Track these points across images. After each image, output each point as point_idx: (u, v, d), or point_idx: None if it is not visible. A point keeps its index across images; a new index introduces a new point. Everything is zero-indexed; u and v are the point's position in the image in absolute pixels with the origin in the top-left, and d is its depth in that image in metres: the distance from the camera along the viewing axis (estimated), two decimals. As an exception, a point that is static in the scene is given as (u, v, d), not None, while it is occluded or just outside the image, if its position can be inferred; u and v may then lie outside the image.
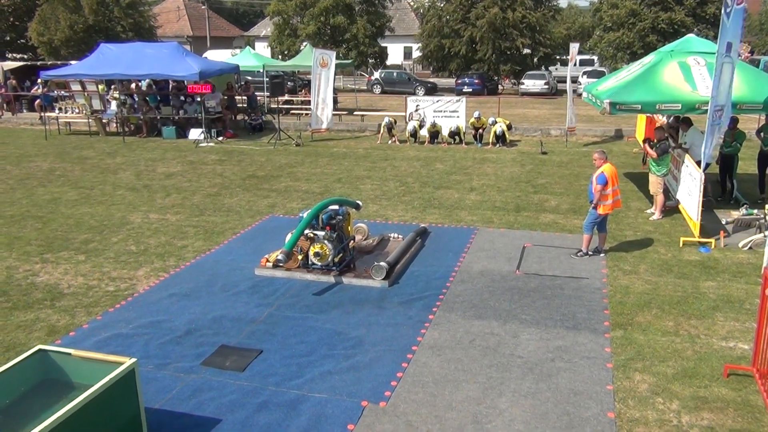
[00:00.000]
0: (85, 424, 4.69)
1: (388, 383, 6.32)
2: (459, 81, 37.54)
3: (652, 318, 7.72)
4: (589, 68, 37.00)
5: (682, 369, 6.55)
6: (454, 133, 20.41)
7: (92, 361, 5.30)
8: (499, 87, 40.21)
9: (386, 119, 19.16)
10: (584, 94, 14.27)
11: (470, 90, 35.44)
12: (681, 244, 10.24)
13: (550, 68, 41.14)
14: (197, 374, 6.53)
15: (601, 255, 9.81)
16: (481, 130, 20.38)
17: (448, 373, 6.53)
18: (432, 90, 36.88)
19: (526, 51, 39.95)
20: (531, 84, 36.29)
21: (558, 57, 41.99)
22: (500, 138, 19.95)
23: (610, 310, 7.94)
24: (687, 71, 11.70)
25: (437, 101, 21.95)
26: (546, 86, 36.07)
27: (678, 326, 7.51)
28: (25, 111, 28.40)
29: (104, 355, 5.37)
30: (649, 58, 13.08)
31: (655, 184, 11.81)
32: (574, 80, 26.14)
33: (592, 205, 9.54)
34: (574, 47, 22.04)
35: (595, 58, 41.63)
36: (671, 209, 12.04)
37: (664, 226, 11.34)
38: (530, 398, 6.05)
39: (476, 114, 20.47)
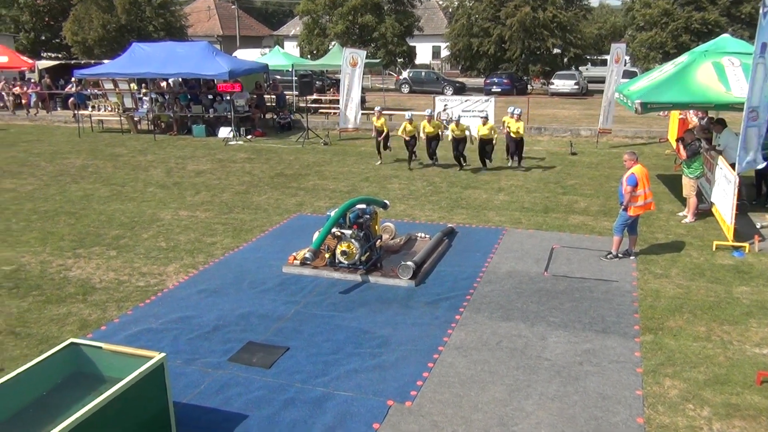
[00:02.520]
0: (115, 416, 4.76)
1: (414, 383, 6.31)
2: (488, 81, 37.35)
3: (684, 323, 7.59)
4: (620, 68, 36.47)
5: (713, 375, 6.43)
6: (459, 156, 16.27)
7: (122, 355, 5.38)
8: (529, 87, 39.89)
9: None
10: (615, 95, 14.10)
11: (499, 90, 35.23)
12: (714, 248, 10.05)
13: (580, 68, 40.69)
14: (225, 370, 6.59)
15: (632, 258, 9.67)
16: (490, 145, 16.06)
17: (475, 374, 6.50)
18: (460, 90, 36.74)
19: (557, 51, 39.56)
20: (561, 84, 35.95)
21: (589, 57, 41.51)
22: (516, 148, 16.12)
23: (640, 314, 7.82)
24: (721, 72, 11.48)
25: (465, 101, 21.85)
26: (576, 86, 35.69)
27: (710, 332, 7.36)
28: (59, 109, 28.95)
29: (134, 350, 5.45)
30: (682, 59, 12.86)
31: (688, 186, 11.61)
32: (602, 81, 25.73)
33: (623, 206, 9.40)
34: (619, 48, 20.87)
35: (627, 58, 41.04)
36: (704, 212, 11.83)
37: (697, 229, 11.14)
38: (557, 401, 5.99)
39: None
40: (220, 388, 6.25)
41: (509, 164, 16.49)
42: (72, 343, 5.56)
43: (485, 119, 16.18)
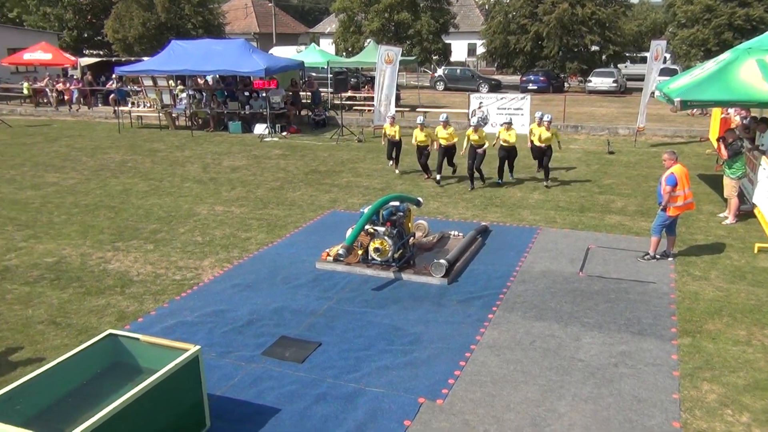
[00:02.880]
0: (152, 406, 4.85)
1: (446, 381, 6.29)
2: (524, 78, 36.99)
3: (723, 326, 7.42)
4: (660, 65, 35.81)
5: (753, 380, 6.27)
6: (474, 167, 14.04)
7: (159, 346, 5.47)
8: (565, 85, 39.39)
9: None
10: (656, 93, 13.84)
11: (535, 87, 34.86)
12: (756, 251, 9.79)
13: (619, 66, 40.01)
14: (258, 364, 6.66)
15: (670, 259, 9.48)
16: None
17: (507, 373, 6.45)
18: (496, 87, 36.46)
19: (595, 48, 38.97)
20: (599, 82, 35.41)
21: (628, 54, 40.77)
22: (544, 156, 14.29)
23: (678, 316, 7.67)
24: (765, 69, 11.17)
25: (501, 98, 21.68)
26: (614, 84, 35.13)
27: (750, 336, 7.18)
28: (100, 105, 29.59)
29: (170, 342, 5.54)
30: (724, 56, 12.55)
31: (729, 186, 11.34)
32: (641, 78, 25.23)
33: (661, 207, 9.23)
34: (659, 45, 20.44)
35: (668, 55, 40.24)
36: (746, 214, 11.53)
37: (738, 231, 10.87)
38: (591, 403, 5.91)
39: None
40: (253, 382, 6.32)
41: (545, 184, 14.23)
42: (110, 334, 5.69)
43: (508, 124, 14.06)
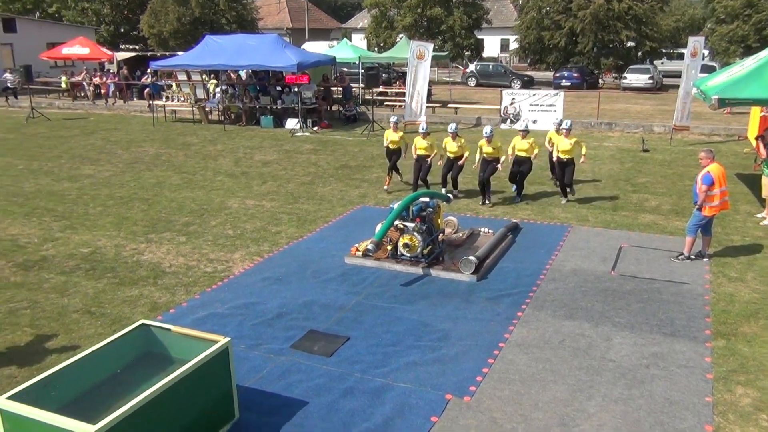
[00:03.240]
0: (182, 396, 4.92)
1: (474, 378, 6.27)
2: (557, 74, 36.55)
3: (759, 329, 7.25)
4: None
5: (790, 385, 6.12)
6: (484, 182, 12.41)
7: (190, 337, 5.55)
8: (600, 81, 38.82)
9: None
10: (693, 90, 13.56)
11: (569, 84, 34.42)
12: (795, 252, 9.56)
13: (655, 62, 39.29)
14: (287, 356, 6.72)
15: (705, 260, 9.30)
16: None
17: (536, 372, 6.40)
18: (528, 83, 36.10)
19: (631, 44, 38.30)
20: (634, 78, 34.79)
21: (664, 50, 39.98)
22: (563, 174, 12.43)
23: (712, 318, 7.52)
24: (809, 67, 10.88)
25: (533, 95, 21.48)
26: (650, 81, 34.49)
27: (788, 339, 7.01)
28: (135, 99, 30.05)
29: (201, 333, 5.62)
30: (765, 53, 12.24)
31: (767, 186, 11.07)
32: (678, 75, 24.68)
33: (697, 206, 9.05)
34: (697, 41, 19.90)
35: (706, 52, 39.37)
36: (785, 214, 11.25)
37: (776, 231, 10.62)
38: (621, 404, 5.83)
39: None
40: (281, 374, 6.37)
41: (563, 201, 12.52)
42: (143, 324, 5.79)
43: (525, 132, 12.30)
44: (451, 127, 12.70)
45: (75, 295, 8.33)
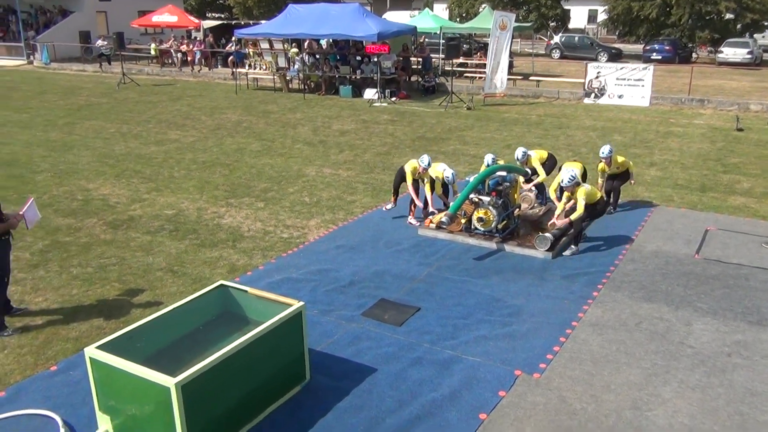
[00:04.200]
0: (257, 355, 5.09)
1: (544, 356, 6.19)
2: (647, 47, 34.91)
3: None
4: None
5: None
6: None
7: (266, 300, 5.72)
8: (693, 55, 36.84)
9: (423, 159, 9.28)
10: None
11: (659, 57, 32.83)
12: None
13: (755, 36, 36.87)
14: (358, 324, 6.82)
15: (799, 246, 8.77)
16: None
17: (609, 353, 6.25)
18: (616, 56, 34.65)
19: (729, 16, 36.05)
20: (731, 53, 32.81)
21: (767, 24, 37.43)
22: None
23: (804, 308, 7.11)
24: None
25: (621, 68, 20.63)
26: (749, 56, 32.44)
27: None
28: (219, 66, 30.80)
29: (276, 296, 5.78)
30: None
31: None
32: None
33: (794, 190, 8.47)
34: None
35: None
36: None
37: None
38: (699, 392, 5.63)
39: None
40: (352, 341, 6.48)
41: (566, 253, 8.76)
42: (222, 285, 6.00)
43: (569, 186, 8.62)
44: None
45: (159, 254, 8.72)
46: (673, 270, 8.11)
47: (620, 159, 10.16)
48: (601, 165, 10.02)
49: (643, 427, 5.17)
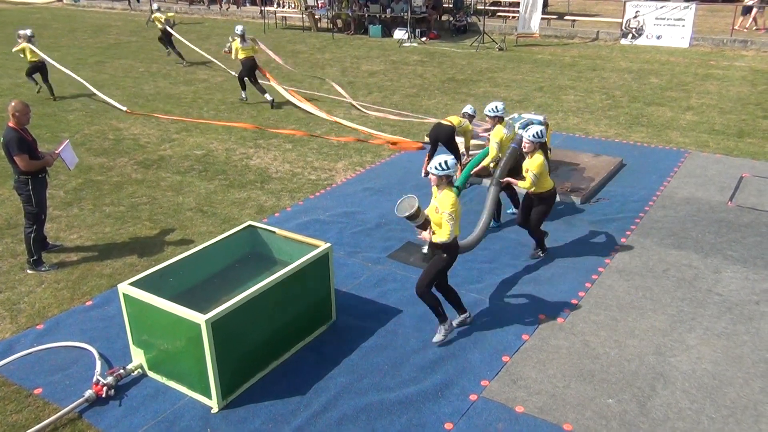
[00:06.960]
0: (285, 295, 5.20)
1: (569, 301, 6.21)
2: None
3: None
4: None
5: None
6: None
7: (293, 241, 5.80)
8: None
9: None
10: None
11: (701, -4, 31.42)
12: None
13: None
14: (383, 265, 6.89)
15: (837, 195, 8.54)
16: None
17: (635, 299, 6.24)
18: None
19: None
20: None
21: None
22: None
23: (839, 257, 6.97)
24: None
25: (661, 7, 19.83)
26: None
27: None
28: (248, 5, 30.32)
29: (304, 237, 5.84)
30: None
31: None
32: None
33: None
34: None
35: None
36: None
37: None
38: (724, 339, 5.61)
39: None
40: (377, 282, 6.57)
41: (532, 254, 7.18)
42: (250, 226, 6.09)
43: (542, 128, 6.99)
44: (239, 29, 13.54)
45: (189, 195, 8.84)
46: (704, 217, 7.99)
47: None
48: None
49: (666, 372, 5.20)
